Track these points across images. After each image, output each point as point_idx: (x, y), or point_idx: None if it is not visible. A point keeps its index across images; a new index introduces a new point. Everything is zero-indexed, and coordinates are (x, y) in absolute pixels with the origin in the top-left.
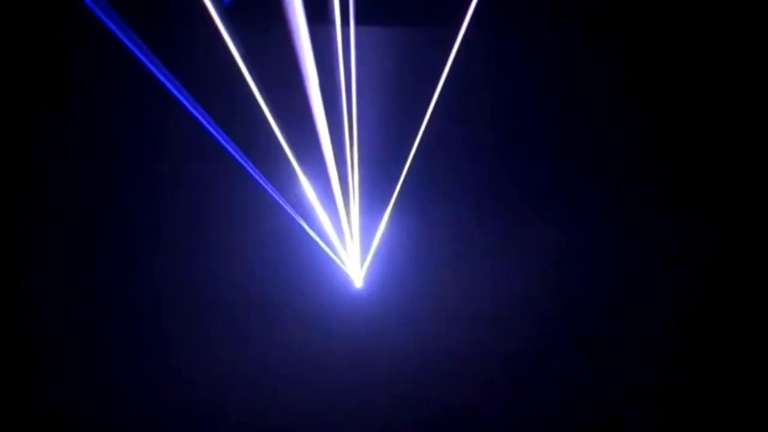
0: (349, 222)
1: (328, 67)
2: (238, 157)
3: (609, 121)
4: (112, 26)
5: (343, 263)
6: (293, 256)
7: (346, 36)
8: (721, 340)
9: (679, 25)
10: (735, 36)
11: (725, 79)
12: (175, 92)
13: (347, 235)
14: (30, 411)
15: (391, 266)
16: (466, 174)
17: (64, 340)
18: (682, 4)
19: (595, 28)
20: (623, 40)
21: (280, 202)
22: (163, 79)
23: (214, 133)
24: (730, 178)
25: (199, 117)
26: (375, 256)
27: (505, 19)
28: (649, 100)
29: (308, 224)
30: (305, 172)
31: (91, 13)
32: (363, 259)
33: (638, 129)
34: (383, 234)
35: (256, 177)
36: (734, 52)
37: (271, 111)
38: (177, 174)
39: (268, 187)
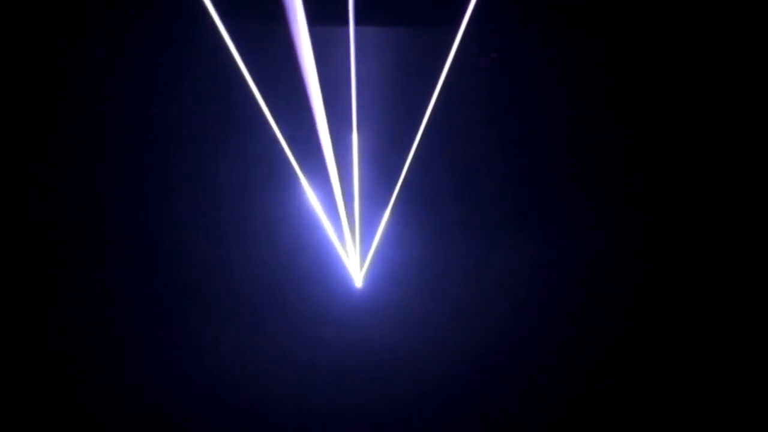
0: (349, 222)
1: (328, 66)
2: (237, 156)
3: (611, 123)
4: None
5: (343, 263)
6: (293, 255)
7: (346, 35)
8: (706, 347)
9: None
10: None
11: (718, 89)
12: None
13: (347, 235)
14: (32, 409)
15: (391, 266)
16: (467, 175)
17: (69, 335)
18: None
19: (597, 30)
20: (625, 43)
21: (280, 202)
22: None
23: (215, 131)
24: (722, 191)
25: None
26: (375, 256)
27: (505, 20)
28: (648, 107)
29: (308, 224)
30: (305, 172)
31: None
32: (363, 259)
33: (634, 134)
34: (383, 234)
35: (256, 176)
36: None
37: (270, 110)
38: (175, 172)
39: (267, 187)
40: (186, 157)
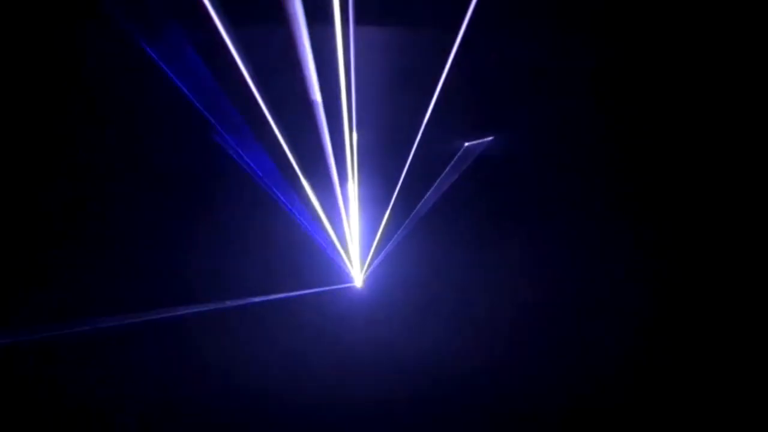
0: (349, 223)
1: (328, 67)
2: (238, 157)
3: (610, 124)
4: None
5: (343, 264)
6: (294, 256)
7: (346, 36)
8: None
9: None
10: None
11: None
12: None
13: (347, 236)
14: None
15: (391, 266)
16: (466, 175)
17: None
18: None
19: (599, 31)
20: (626, 43)
21: (280, 202)
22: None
23: (216, 133)
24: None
25: (202, 117)
26: (375, 256)
27: (504, 21)
28: (650, 108)
29: (309, 225)
30: (305, 174)
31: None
32: (363, 260)
33: (636, 134)
34: (383, 234)
35: (257, 178)
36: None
37: (270, 111)
38: (175, 172)
39: (268, 188)
40: (185, 157)
